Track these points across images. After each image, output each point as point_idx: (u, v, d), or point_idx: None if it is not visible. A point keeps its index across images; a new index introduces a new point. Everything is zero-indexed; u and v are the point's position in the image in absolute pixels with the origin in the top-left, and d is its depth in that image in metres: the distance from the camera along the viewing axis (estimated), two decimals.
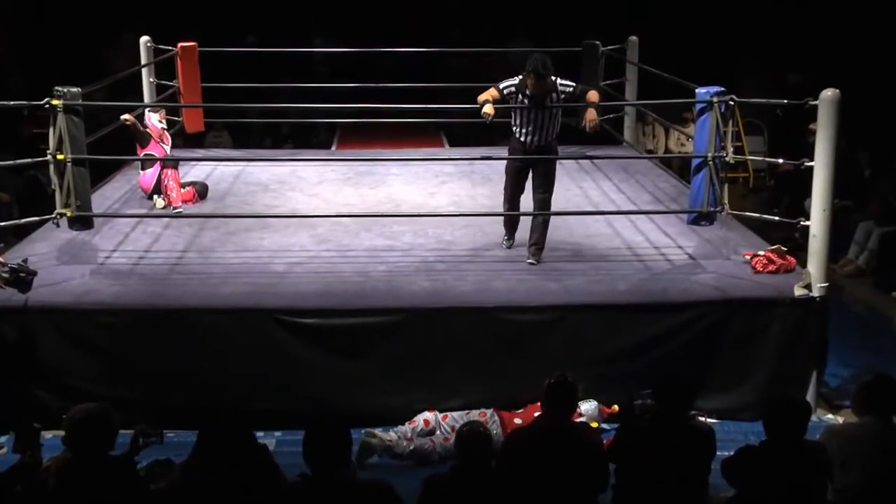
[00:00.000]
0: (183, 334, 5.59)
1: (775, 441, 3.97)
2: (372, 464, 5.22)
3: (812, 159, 5.74)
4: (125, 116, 7.34)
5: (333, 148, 11.27)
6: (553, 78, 6.07)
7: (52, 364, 5.54)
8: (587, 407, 5.54)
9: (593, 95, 6.23)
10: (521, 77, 6.12)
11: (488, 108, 5.97)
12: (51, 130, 5.88)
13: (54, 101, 5.79)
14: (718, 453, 4.22)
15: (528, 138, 6.19)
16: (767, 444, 3.99)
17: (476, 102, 6.09)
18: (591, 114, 6.13)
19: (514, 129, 6.25)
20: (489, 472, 3.99)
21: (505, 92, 6.13)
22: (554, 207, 6.89)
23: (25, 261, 5.56)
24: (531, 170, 6.31)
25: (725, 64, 11.93)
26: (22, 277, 5.43)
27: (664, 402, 4.18)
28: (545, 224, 6.31)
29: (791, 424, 3.96)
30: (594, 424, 5.44)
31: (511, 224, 6.60)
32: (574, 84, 6.18)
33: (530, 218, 6.38)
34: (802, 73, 11.51)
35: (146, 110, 7.64)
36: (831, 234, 5.80)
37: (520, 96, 6.13)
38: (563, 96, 6.12)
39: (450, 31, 13.11)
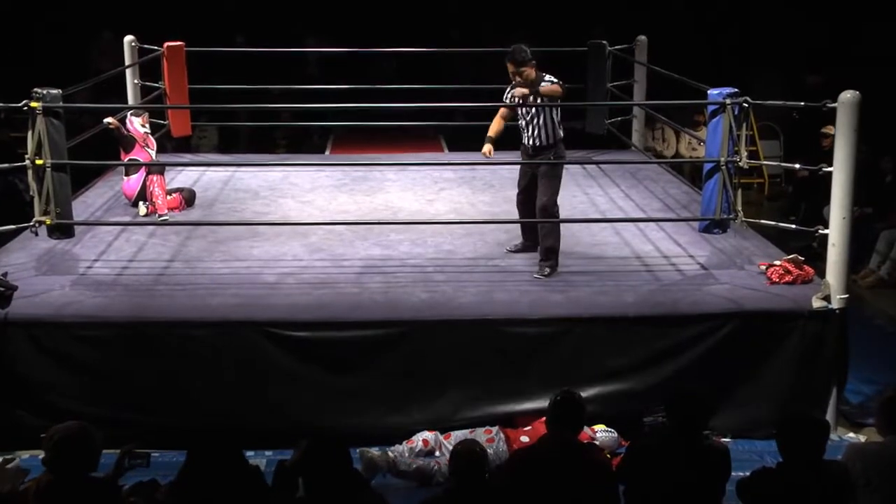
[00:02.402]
0: (168, 348, 5.57)
1: (793, 462, 3.95)
2: (374, 483, 5.21)
3: (830, 165, 5.74)
4: (108, 120, 7.36)
5: (327, 152, 11.30)
6: (543, 74, 6.14)
7: (31, 380, 5.52)
8: (605, 436, 5.52)
9: (551, 88, 6.08)
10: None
11: (486, 150, 6.34)
12: (29, 134, 5.88)
13: (33, 103, 5.78)
14: (733, 474, 4.21)
15: (528, 140, 6.30)
16: (785, 466, 3.98)
17: (477, 103, 6.13)
18: (519, 89, 6.07)
19: (521, 132, 6.37)
20: (485, 492, 3.99)
21: (507, 99, 6.29)
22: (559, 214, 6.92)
23: (5, 274, 5.55)
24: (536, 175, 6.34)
25: (739, 64, 11.98)
26: (1, 292, 5.43)
27: (678, 420, 4.17)
28: (549, 234, 6.26)
29: (807, 444, 3.94)
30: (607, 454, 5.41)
31: (521, 228, 6.67)
32: (557, 80, 6.14)
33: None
34: (823, 74, 11.54)
35: (128, 114, 7.65)
36: (851, 244, 5.79)
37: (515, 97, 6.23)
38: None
39: (450, 31, 13.14)
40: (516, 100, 6.14)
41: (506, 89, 6.41)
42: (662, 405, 4.34)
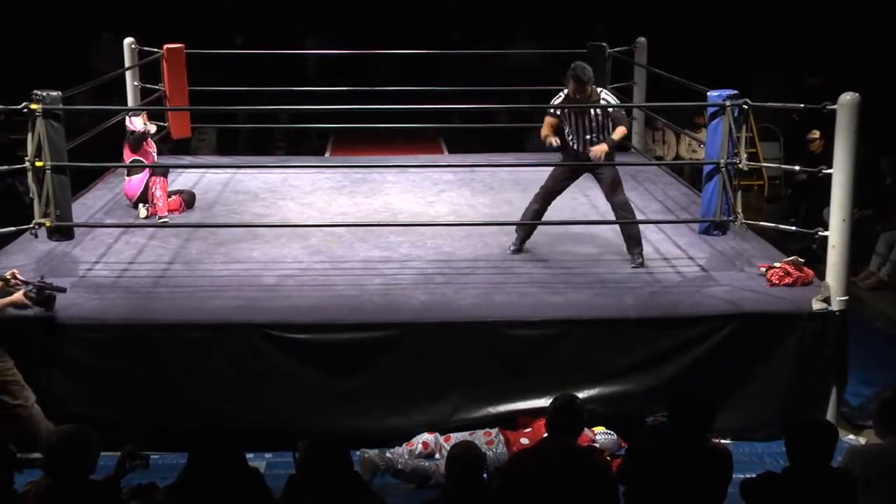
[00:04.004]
0: (168, 350, 5.58)
1: (800, 468, 3.92)
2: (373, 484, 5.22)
3: (829, 167, 5.74)
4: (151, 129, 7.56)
5: (327, 154, 11.30)
6: (598, 89, 6.33)
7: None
8: (605, 438, 5.52)
9: (620, 132, 6.36)
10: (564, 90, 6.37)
11: (551, 140, 6.38)
12: (29, 136, 5.88)
13: (33, 106, 5.79)
14: (734, 475, 4.20)
15: (580, 146, 6.41)
16: (792, 471, 3.96)
17: (479, 104, 6.16)
18: (599, 147, 6.25)
19: (568, 138, 6.47)
20: (481, 494, 3.99)
21: (556, 112, 6.42)
22: (559, 216, 6.94)
23: (42, 277, 5.56)
24: (596, 180, 6.53)
25: (739, 66, 11.98)
26: (48, 295, 5.45)
27: (681, 423, 4.16)
28: (630, 226, 6.46)
29: (816, 449, 3.91)
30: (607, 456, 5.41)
31: (526, 229, 6.69)
32: (616, 102, 6.36)
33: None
34: (822, 75, 11.54)
35: (128, 114, 7.65)
36: (851, 245, 5.79)
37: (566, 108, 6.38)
38: (606, 108, 6.30)
39: (450, 32, 13.14)
40: (592, 154, 6.26)
41: (511, 91, 6.47)
42: (664, 406, 4.32)
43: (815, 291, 5.84)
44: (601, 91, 6.37)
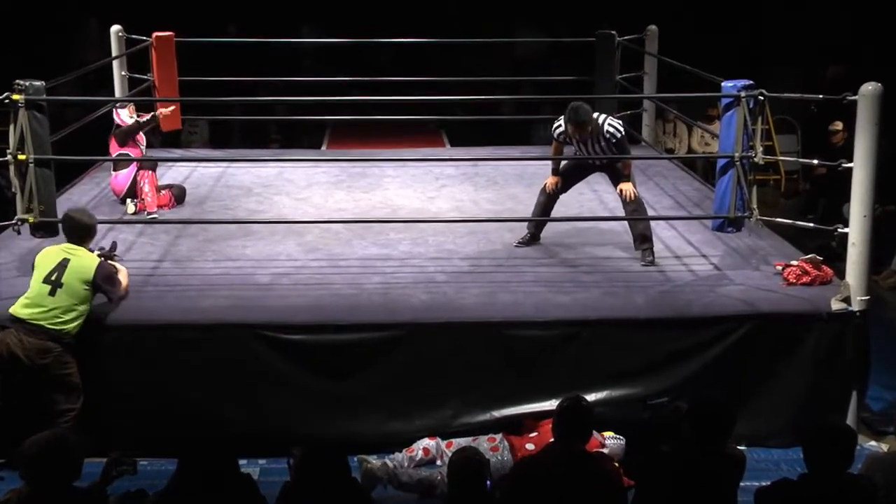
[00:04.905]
0: (157, 352, 5.57)
1: (818, 475, 3.91)
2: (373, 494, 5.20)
3: (849, 160, 5.73)
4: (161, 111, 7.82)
5: (324, 148, 11.28)
6: (598, 119, 6.32)
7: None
8: (614, 444, 5.50)
9: (627, 167, 6.51)
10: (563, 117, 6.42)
11: (550, 182, 6.63)
12: (11, 128, 5.88)
13: (15, 96, 5.79)
14: (748, 483, 4.20)
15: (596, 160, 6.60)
16: (809, 478, 3.94)
17: (480, 96, 6.15)
18: (627, 187, 6.45)
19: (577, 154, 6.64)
20: (484, 502, 3.98)
21: (560, 138, 6.51)
22: (566, 212, 6.93)
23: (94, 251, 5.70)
24: (607, 174, 6.68)
25: (754, 55, 11.96)
26: (115, 255, 5.90)
27: (701, 431, 4.13)
28: (642, 221, 6.48)
29: (835, 456, 3.90)
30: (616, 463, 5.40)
31: (535, 222, 6.75)
32: (621, 131, 6.37)
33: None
34: (842, 65, 11.51)
35: (115, 106, 7.65)
36: (872, 243, 5.78)
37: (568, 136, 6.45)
38: (609, 138, 6.34)
39: (452, 23, 13.12)
40: (621, 192, 6.50)
41: (516, 81, 6.44)
42: (684, 410, 4.33)
43: (835, 291, 5.83)
44: (604, 120, 6.34)
